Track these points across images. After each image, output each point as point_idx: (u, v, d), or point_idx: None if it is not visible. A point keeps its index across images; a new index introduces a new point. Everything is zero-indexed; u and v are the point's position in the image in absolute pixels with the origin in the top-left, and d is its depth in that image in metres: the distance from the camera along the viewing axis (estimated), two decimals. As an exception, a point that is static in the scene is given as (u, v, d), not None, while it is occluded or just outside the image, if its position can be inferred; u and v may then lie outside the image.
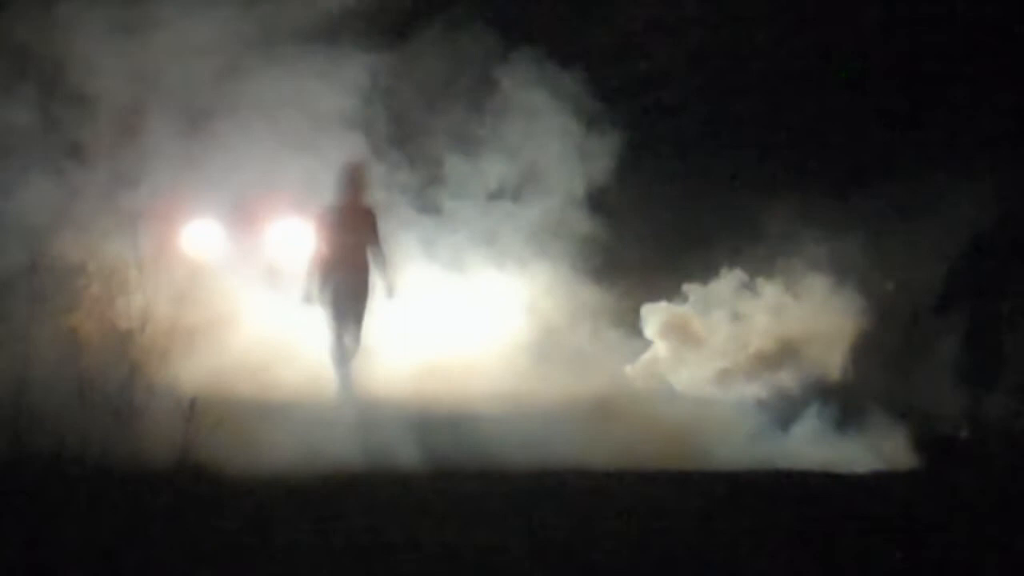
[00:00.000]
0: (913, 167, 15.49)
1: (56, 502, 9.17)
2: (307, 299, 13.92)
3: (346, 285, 13.88)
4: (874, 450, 12.46)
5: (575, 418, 12.61)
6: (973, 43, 16.46)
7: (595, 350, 14.73)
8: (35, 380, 10.42)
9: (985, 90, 16.37)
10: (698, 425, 12.83)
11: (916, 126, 16.44)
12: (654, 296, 14.87)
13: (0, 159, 13.00)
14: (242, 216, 14.43)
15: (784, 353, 14.23)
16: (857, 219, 14.49)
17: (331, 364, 13.87)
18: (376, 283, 13.94)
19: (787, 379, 14.08)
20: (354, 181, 14.03)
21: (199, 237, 14.43)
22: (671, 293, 14.87)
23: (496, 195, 15.13)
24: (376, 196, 14.23)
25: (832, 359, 14.11)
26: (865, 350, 14.17)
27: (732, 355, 14.49)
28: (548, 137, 15.02)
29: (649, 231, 15.75)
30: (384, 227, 14.05)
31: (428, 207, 14.96)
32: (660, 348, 14.78)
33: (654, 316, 14.80)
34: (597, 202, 15.14)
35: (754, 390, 14.11)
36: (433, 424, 12.34)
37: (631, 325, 14.90)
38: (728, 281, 14.74)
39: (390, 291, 13.96)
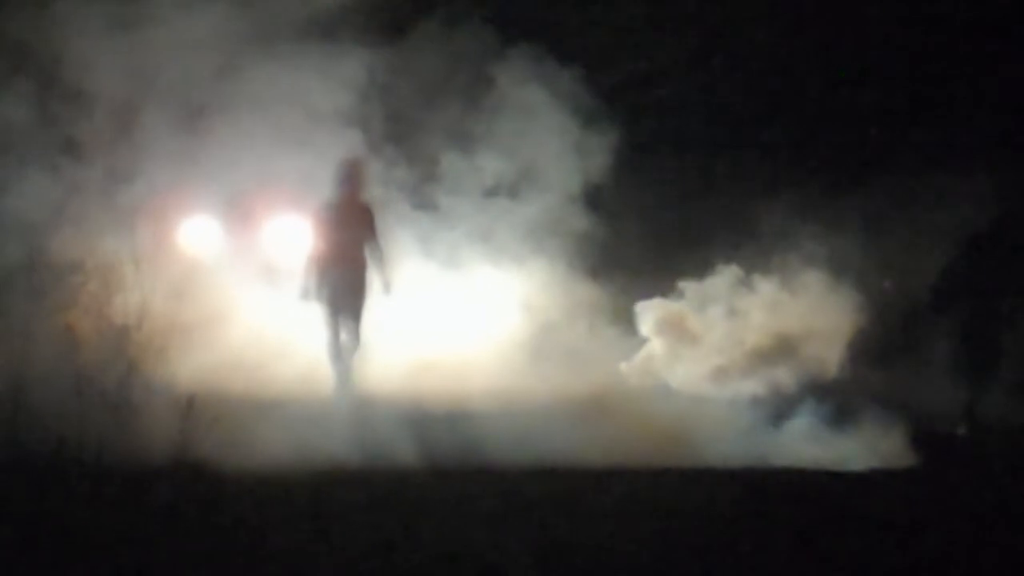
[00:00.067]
0: (910, 165, 15.52)
1: (54, 498, 9.18)
2: (304, 295, 13.92)
3: (344, 281, 13.87)
4: (871, 448, 12.45)
5: (571, 415, 12.61)
6: (972, 43, 16.48)
7: (591, 347, 14.72)
8: (33, 377, 10.44)
9: (983, 90, 16.39)
10: (694, 422, 12.82)
11: (913, 124, 16.46)
12: (650, 293, 14.87)
13: (-2, 156, 13.03)
14: (239, 213, 14.42)
15: (780, 350, 14.23)
16: (854, 216, 14.52)
17: (328, 361, 13.87)
18: (373, 279, 13.94)
19: (783, 376, 14.08)
20: (352, 177, 14.03)
21: (196, 234, 14.42)
22: (667, 290, 14.87)
23: (493, 192, 15.12)
24: (373, 192, 14.23)
25: (829, 356, 14.11)
26: (862, 347, 14.18)
27: (728, 352, 14.47)
28: (545, 134, 15.00)
29: (646, 228, 15.76)
30: (381, 223, 14.05)
31: (425, 204, 14.96)
32: (656, 345, 14.77)
33: (649, 312, 14.79)
34: (593, 199, 15.14)
35: (750, 387, 14.10)
36: (429, 421, 12.34)
37: (627, 322, 14.90)
38: (724, 277, 14.72)
39: (387, 288, 13.96)
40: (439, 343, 14.40)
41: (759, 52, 17.03)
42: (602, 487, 10.85)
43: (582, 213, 15.04)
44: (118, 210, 13.10)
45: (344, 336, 13.90)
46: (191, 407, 10.24)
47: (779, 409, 13.27)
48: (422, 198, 14.96)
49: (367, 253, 13.95)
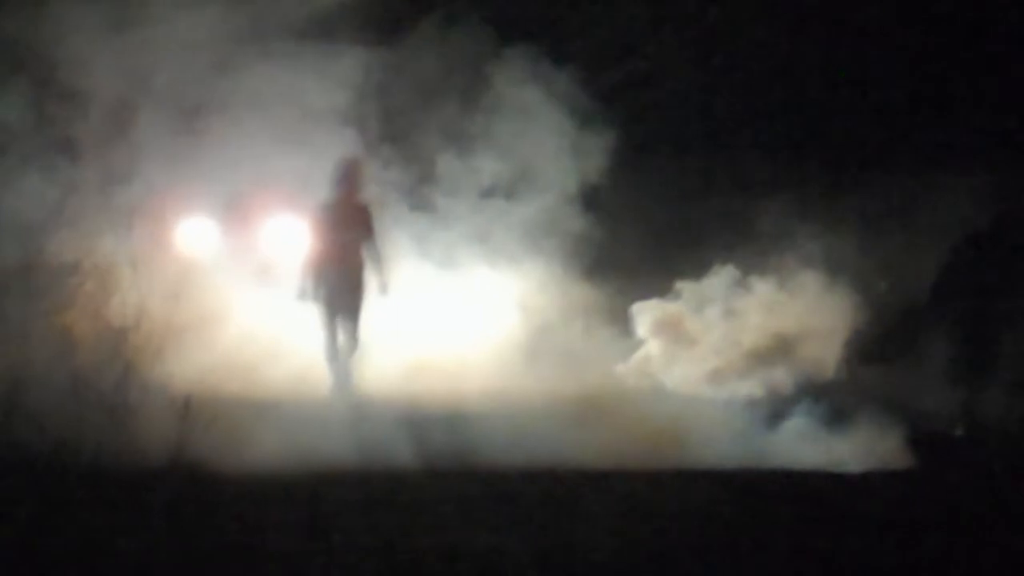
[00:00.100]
0: (907, 165, 15.53)
1: (50, 500, 9.16)
2: (302, 296, 13.93)
3: (341, 282, 13.87)
4: (868, 449, 12.43)
5: (567, 416, 12.59)
6: (972, 43, 16.49)
7: (588, 348, 14.72)
8: (29, 378, 10.41)
9: (983, 90, 16.40)
10: (690, 423, 12.80)
11: (910, 124, 16.47)
12: (647, 294, 14.87)
13: (-5, 157, 13.02)
14: (236, 213, 14.44)
15: (777, 350, 14.22)
16: (851, 216, 14.51)
17: (325, 361, 13.87)
18: (370, 280, 13.93)
19: (780, 377, 14.07)
20: (349, 177, 14.03)
21: (193, 234, 14.44)
22: (664, 290, 14.87)
23: (489, 193, 15.13)
24: (370, 192, 14.23)
25: (826, 357, 14.10)
26: (859, 348, 14.17)
27: (725, 353, 14.47)
28: (541, 135, 15.01)
29: (642, 229, 15.76)
30: (378, 223, 14.05)
31: (421, 204, 14.96)
32: (652, 346, 14.76)
33: (646, 313, 14.79)
34: (590, 200, 15.14)
35: (747, 388, 14.10)
36: (426, 421, 12.33)
37: (624, 323, 14.90)
38: (721, 278, 14.72)
39: (384, 288, 13.96)
40: (436, 344, 14.42)
41: (755, 51, 17.04)
42: (599, 488, 10.84)
43: (579, 214, 15.05)
44: (115, 211, 13.10)
45: (341, 336, 13.90)
46: (188, 408, 10.21)
47: (776, 410, 13.24)
48: (419, 198, 14.96)
49: (364, 253, 13.95)
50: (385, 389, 13.54)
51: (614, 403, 13.20)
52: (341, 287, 13.87)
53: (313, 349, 13.87)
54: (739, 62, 17.09)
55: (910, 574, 8.75)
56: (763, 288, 14.58)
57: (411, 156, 14.95)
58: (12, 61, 13.21)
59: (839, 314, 14.17)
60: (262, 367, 13.40)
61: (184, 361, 12.37)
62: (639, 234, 15.64)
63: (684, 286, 14.79)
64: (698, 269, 14.81)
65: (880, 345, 14.36)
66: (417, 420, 12.29)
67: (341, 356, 13.90)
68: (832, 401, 13.16)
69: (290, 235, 14.45)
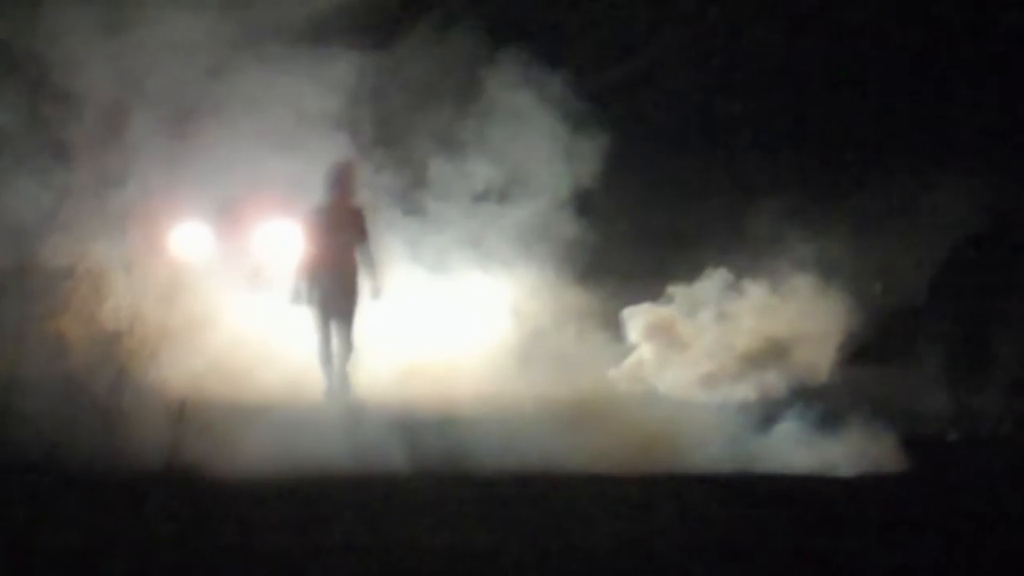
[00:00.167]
0: (907, 165, 15.53)
1: (44, 503, 9.16)
2: (295, 299, 13.92)
3: (334, 285, 13.87)
4: (862, 452, 12.42)
5: (560, 421, 12.57)
6: (972, 43, 16.51)
7: (580, 352, 14.71)
8: (23, 381, 10.42)
9: (983, 90, 16.41)
10: (683, 427, 12.79)
11: (910, 124, 16.47)
12: (640, 298, 14.87)
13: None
14: (230, 217, 14.43)
15: (770, 354, 14.23)
16: (843, 219, 14.52)
17: (319, 365, 13.87)
18: (363, 284, 13.93)
19: (773, 380, 14.08)
20: (342, 181, 14.03)
21: (187, 238, 14.42)
22: (656, 294, 14.87)
23: (482, 197, 15.12)
24: (363, 196, 14.23)
25: (819, 360, 14.11)
26: (852, 351, 14.19)
27: (717, 356, 14.47)
28: (534, 139, 15.00)
29: (635, 232, 15.77)
30: (371, 227, 14.05)
31: (414, 208, 14.96)
32: (645, 350, 14.77)
33: (638, 318, 14.79)
34: (583, 204, 15.14)
35: (740, 392, 14.11)
36: (419, 426, 12.32)
37: (616, 327, 14.91)
38: (713, 281, 14.73)
39: (376, 292, 13.96)
40: (429, 348, 14.41)
41: (749, 54, 17.05)
42: (591, 492, 10.83)
43: (571, 218, 15.04)
44: (109, 214, 13.09)
45: (335, 340, 13.90)
46: (182, 411, 10.23)
47: (769, 414, 13.22)
48: (411, 203, 14.95)
49: (357, 257, 13.95)
50: (378, 393, 13.54)
51: (607, 407, 13.19)
52: (334, 291, 13.87)
53: (307, 353, 13.86)
54: (730, 65, 17.10)
55: (905, 576, 8.78)
56: (756, 292, 14.59)
57: (404, 160, 14.95)
58: (6, 64, 13.19)
59: (832, 317, 14.18)
60: (256, 371, 13.38)
61: (178, 365, 12.37)
62: (631, 238, 15.65)
63: (676, 290, 14.79)
64: (690, 273, 14.82)
65: (875, 347, 14.37)
66: (410, 424, 12.27)
67: (335, 360, 13.89)
68: (825, 405, 13.15)
69: (283, 239, 14.44)
